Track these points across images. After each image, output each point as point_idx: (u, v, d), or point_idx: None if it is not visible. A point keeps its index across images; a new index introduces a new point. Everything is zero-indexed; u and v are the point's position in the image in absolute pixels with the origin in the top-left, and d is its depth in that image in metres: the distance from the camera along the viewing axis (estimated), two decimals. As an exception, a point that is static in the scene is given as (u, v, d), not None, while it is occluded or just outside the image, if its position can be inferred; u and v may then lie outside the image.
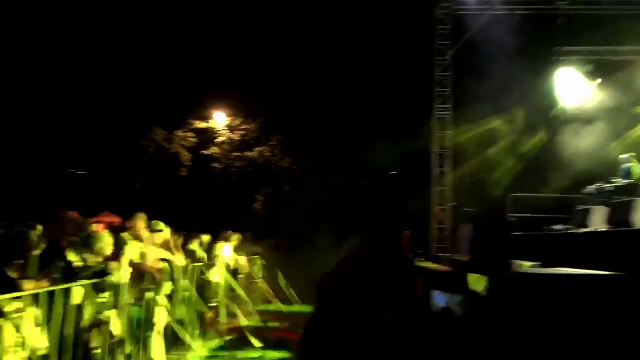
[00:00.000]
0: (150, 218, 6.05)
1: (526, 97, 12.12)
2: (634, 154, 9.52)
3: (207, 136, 18.99)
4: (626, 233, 6.42)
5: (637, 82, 12.11)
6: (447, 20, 12.92)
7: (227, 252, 9.34)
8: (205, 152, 18.66)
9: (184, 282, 6.82)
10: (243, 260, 9.90)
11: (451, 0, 12.65)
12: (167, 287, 5.99)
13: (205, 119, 19.00)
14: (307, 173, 17.36)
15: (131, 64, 16.51)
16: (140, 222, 5.73)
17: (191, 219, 11.79)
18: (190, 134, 18.68)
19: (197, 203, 16.83)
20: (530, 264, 5.11)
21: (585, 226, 7.95)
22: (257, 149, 18.61)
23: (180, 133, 18.49)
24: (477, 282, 3.56)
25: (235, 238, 9.75)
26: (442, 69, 12.98)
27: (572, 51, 12.37)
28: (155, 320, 5.66)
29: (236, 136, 19.03)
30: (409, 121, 14.09)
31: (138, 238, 5.65)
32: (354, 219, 13.49)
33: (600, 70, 12.28)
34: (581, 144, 12.15)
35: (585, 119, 12.45)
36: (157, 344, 5.70)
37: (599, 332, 3.62)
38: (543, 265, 5.14)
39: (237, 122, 19.03)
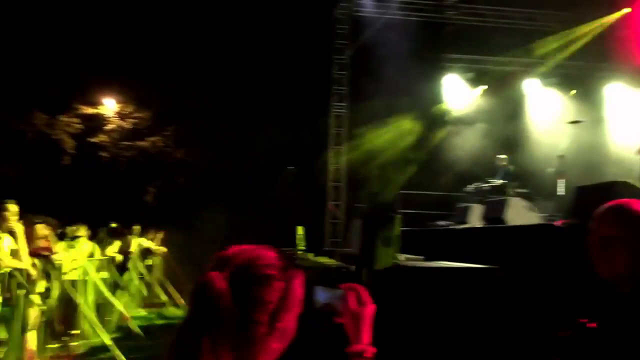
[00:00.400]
0: (27, 209, 5.56)
1: (417, 99, 12.79)
2: (507, 156, 10.41)
3: (95, 123, 17.77)
4: (499, 229, 7.01)
5: (513, 90, 13.29)
6: (345, 21, 13.25)
7: (114, 246, 8.89)
8: (92, 140, 17.48)
9: (63, 278, 6.37)
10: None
11: (350, 1, 12.99)
12: (42, 285, 5.56)
13: (94, 104, 17.76)
14: (200, 165, 16.90)
15: (7, 40, 14.98)
16: (12, 214, 5.23)
17: (74, 210, 11.00)
18: (75, 120, 17.35)
19: (81, 193, 15.72)
20: (413, 257, 5.40)
21: (464, 222, 8.56)
22: (149, 138, 17.76)
23: (64, 118, 17.13)
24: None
25: (124, 231, 9.30)
26: (340, 67, 13.30)
27: (456, 58, 13.27)
28: (28, 319, 5.23)
29: (127, 124, 18.00)
30: (306, 117, 14.26)
31: (9, 231, 5.17)
32: (250, 213, 13.42)
33: (481, 78, 13.31)
34: (464, 146, 13.07)
35: (467, 122, 13.42)
36: (30, 344, 5.28)
37: (474, 320, 3.92)
38: (426, 259, 5.44)
39: (129, 109, 18.02)
